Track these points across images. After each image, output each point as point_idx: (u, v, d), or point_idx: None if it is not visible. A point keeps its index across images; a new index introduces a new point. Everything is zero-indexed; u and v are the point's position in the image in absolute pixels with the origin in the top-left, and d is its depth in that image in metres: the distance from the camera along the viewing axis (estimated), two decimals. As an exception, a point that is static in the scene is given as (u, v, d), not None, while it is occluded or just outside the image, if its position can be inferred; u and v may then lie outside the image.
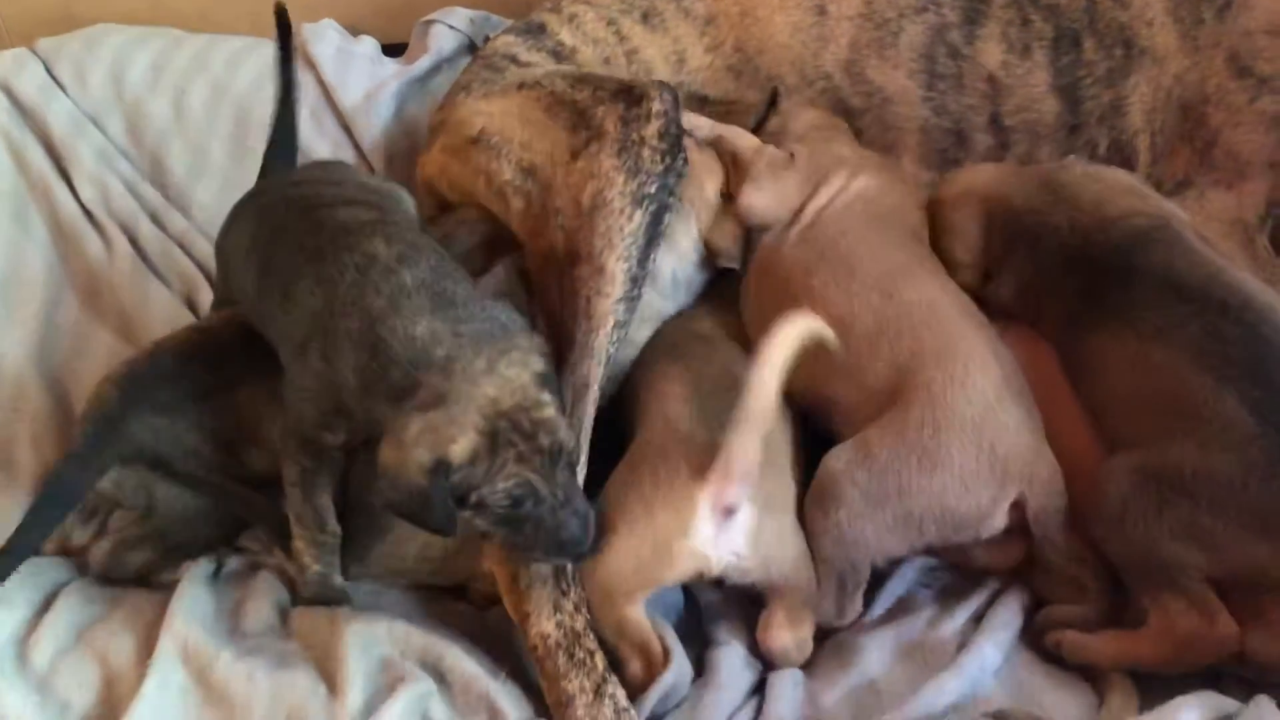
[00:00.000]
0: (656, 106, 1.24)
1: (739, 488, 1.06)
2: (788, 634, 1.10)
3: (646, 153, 1.23)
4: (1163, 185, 1.30)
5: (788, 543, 1.11)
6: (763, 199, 1.30)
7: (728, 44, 1.47)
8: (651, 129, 1.24)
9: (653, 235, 1.22)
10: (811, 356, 1.10)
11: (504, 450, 1.00)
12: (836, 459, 1.12)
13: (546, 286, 1.25)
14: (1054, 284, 1.20)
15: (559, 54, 1.48)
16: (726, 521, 1.07)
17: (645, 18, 1.49)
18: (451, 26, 1.74)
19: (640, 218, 1.21)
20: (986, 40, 1.38)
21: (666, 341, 1.28)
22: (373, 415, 1.05)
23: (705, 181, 1.32)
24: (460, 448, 0.98)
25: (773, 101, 1.44)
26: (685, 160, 1.26)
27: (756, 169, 1.31)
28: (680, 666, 1.10)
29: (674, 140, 1.24)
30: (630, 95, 1.26)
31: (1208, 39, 1.31)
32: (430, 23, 1.76)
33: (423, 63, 1.72)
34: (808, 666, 1.13)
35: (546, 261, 1.25)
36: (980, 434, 1.07)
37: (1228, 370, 1.04)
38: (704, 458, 1.07)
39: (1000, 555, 1.17)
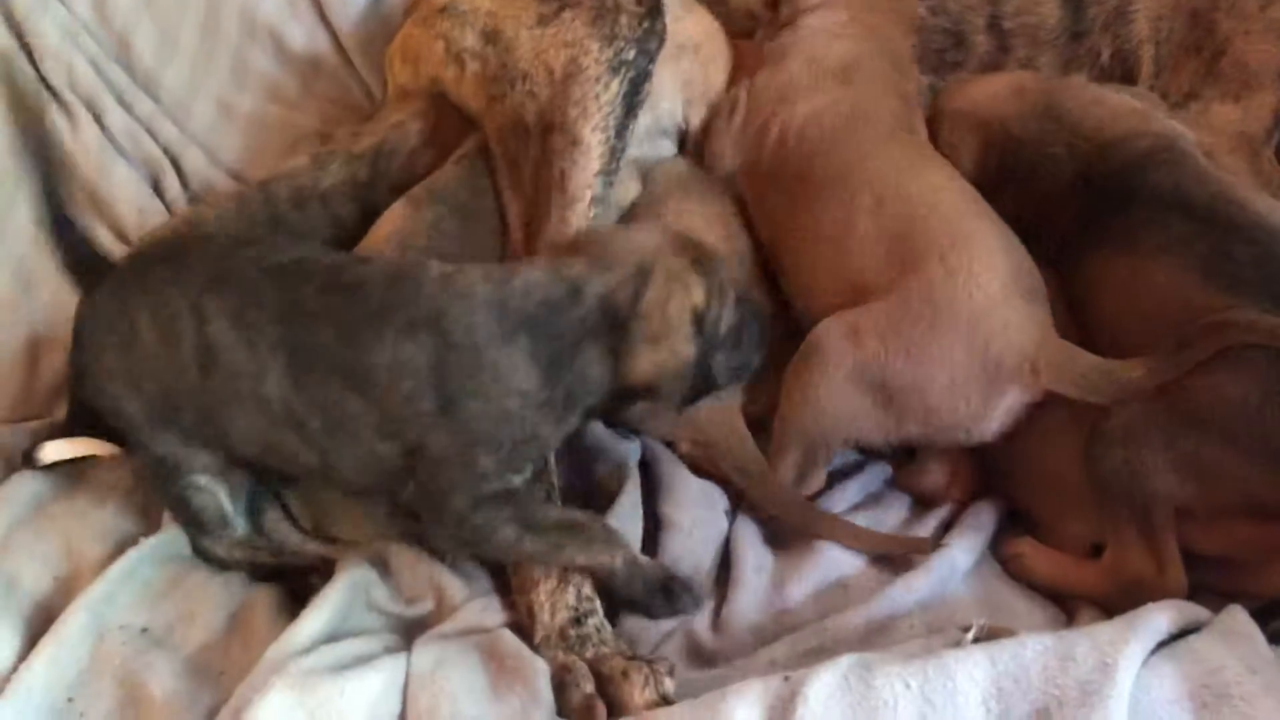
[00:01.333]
0: None
1: None
2: None
3: (624, 18, 1.18)
4: (1167, 98, 1.26)
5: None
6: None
7: None
8: None
9: (631, 104, 1.18)
10: (812, 267, 1.11)
11: (705, 264, 0.98)
12: (828, 333, 1.10)
13: (514, 159, 1.20)
14: (1050, 212, 1.16)
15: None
16: None
17: None
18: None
19: (618, 86, 1.16)
20: None
21: None
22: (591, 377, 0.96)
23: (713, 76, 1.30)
24: (697, 291, 0.96)
25: None
26: (665, 25, 1.20)
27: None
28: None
29: (653, 3, 1.19)
30: None
31: None
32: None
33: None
34: (776, 550, 1.11)
35: (512, 132, 1.20)
36: (975, 331, 1.04)
37: (1241, 290, 1.01)
38: None
39: (951, 484, 1.15)
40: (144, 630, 1.02)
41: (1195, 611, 0.94)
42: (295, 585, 1.07)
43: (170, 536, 1.09)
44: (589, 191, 1.15)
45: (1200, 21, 1.26)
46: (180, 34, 1.68)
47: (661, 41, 1.20)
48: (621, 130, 1.17)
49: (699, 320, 0.95)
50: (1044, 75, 1.30)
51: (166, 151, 1.62)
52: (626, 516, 1.10)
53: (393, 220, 1.23)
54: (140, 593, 1.04)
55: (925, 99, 1.34)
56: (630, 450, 1.17)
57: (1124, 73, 1.31)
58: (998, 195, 1.17)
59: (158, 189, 1.60)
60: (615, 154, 1.17)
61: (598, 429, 1.18)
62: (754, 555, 1.10)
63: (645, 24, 1.19)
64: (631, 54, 1.17)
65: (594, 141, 1.15)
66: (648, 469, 1.17)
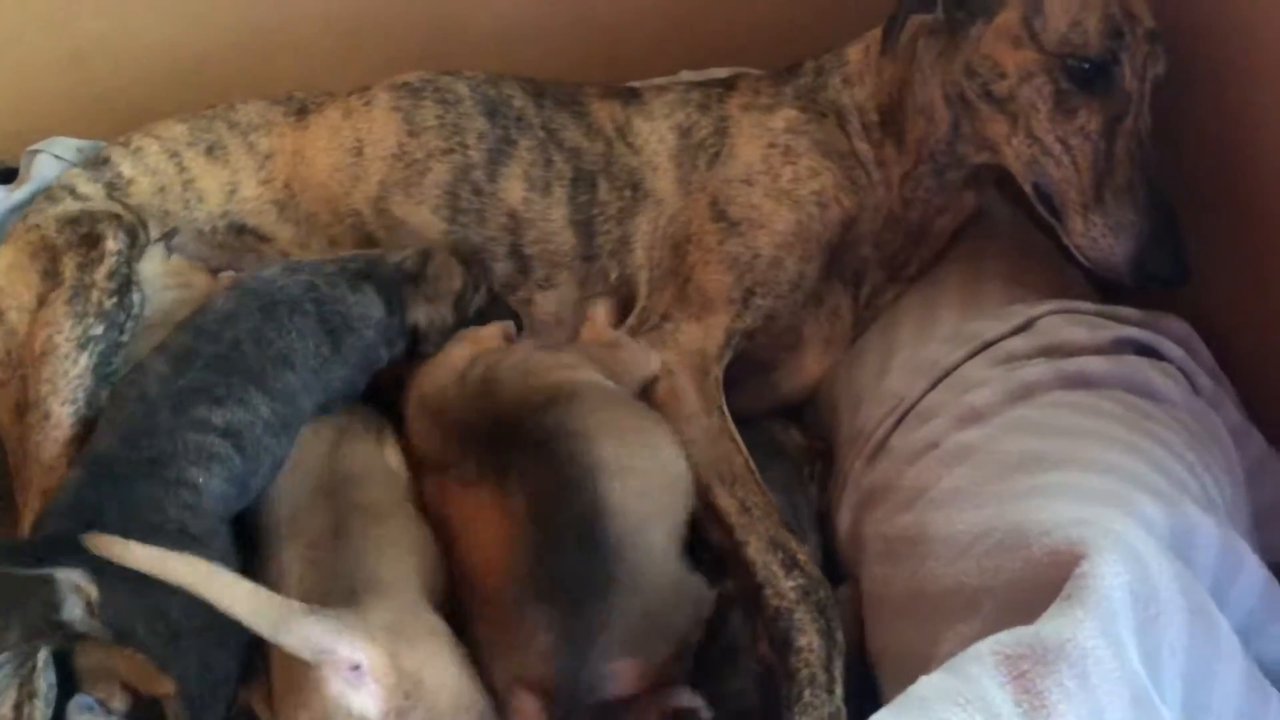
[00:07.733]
0: (110, 246, 1.30)
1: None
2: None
3: (95, 294, 1.28)
4: (651, 318, 1.39)
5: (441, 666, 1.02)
6: None
7: (279, 180, 1.54)
8: (102, 271, 1.29)
9: (103, 375, 1.26)
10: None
11: (471, 265, 1.47)
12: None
13: (15, 442, 1.28)
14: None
15: (115, 185, 1.52)
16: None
17: (210, 150, 1.55)
18: (57, 156, 1.76)
19: (86, 360, 1.25)
20: (509, 179, 1.48)
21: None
22: None
23: None
24: (459, 278, 1.41)
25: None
26: (137, 299, 1.31)
27: None
28: None
29: (124, 280, 1.30)
30: (89, 238, 1.32)
31: (698, 184, 1.44)
32: (36, 152, 1.78)
33: (23, 191, 1.71)
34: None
35: (13, 414, 1.28)
36: None
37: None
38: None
39: None
40: None
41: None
42: None
43: None
44: (64, 461, 1.21)
45: (678, 251, 1.41)
46: None
47: (130, 314, 1.31)
48: (93, 401, 1.25)
49: (459, 299, 1.33)
50: (510, 336, 1.40)
51: None
52: None
53: None
54: None
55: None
56: None
57: (628, 292, 1.45)
58: (460, 465, 1.23)
59: None
60: (89, 425, 1.23)
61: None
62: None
63: (114, 299, 1.29)
64: (100, 329, 1.27)
65: (64, 414, 1.23)
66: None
